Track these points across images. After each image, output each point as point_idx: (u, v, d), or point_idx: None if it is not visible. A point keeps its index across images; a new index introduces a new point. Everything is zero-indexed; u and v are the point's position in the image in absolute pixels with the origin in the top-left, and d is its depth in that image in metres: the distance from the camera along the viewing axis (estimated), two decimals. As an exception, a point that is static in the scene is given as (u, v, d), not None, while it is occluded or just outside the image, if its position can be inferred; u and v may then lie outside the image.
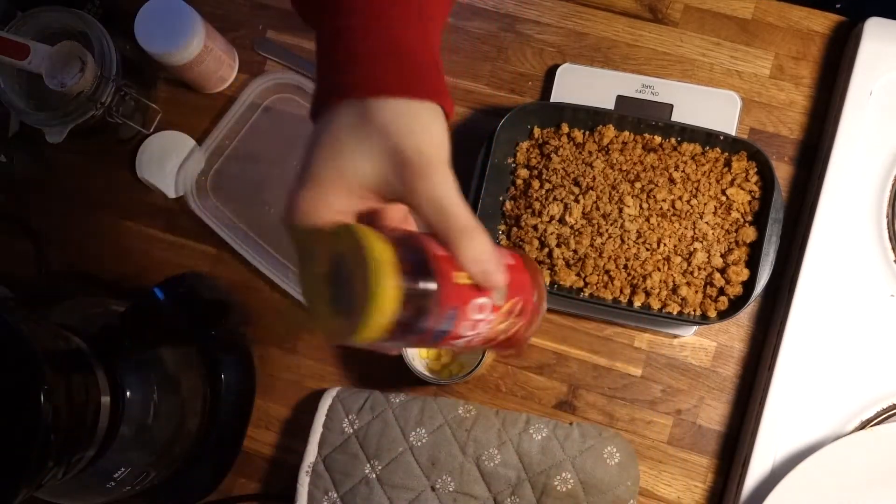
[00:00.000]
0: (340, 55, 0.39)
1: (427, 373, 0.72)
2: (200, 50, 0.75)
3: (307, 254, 0.40)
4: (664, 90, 0.75)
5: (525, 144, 0.74)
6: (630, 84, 0.76)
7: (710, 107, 0.74)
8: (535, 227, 0.71)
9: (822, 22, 0.77)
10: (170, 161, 0.81)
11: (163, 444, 0.68)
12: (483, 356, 0.71)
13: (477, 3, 0.81)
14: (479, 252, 0.39)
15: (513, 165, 0.74)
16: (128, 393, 0.63)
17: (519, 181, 0.74)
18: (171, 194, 0.81)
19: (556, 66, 0.78)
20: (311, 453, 0.72)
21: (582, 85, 0.77)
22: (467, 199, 0.60)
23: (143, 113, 0.82)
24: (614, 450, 0.70)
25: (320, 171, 0.39)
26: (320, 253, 0.40)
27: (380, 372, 0.78)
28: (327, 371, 0.78)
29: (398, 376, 0.76)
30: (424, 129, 0.40)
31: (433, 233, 0.39)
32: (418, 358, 0.73)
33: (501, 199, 0.74)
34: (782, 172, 0.75)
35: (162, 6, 0.74)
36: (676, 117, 0.74)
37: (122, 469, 0.65)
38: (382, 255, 0.37)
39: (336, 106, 0.39)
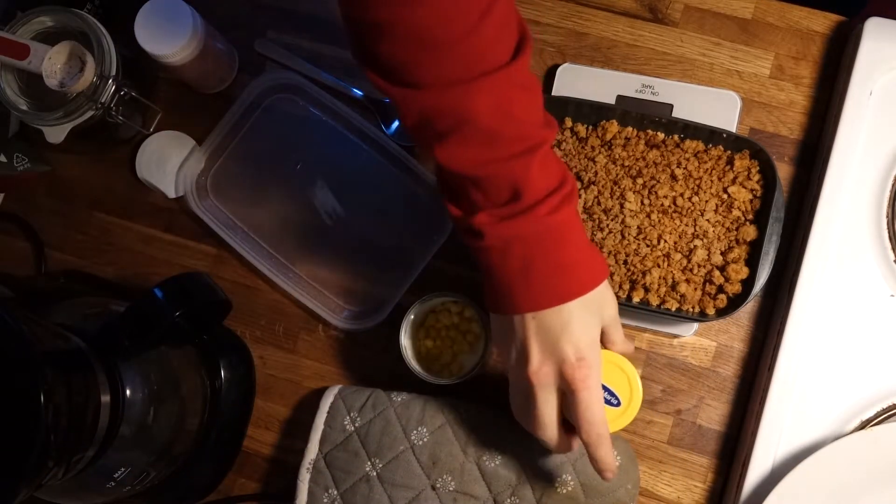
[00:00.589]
0: (545, 270, 0.58)
1: (426, 373, 0.72)
2: (200, 50, 0.75)
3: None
4: (664, 90, 0.75)
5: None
6: (630, 84, 0.76)
7: (710, 107, 0.74)
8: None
9: (822, 22, 0.77)
10: (170, 161, 0.81)
11: (163, 444, 0.68)
12: (483, 356, 0.71)
13: (477, 3, 0.81)
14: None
15: (515, 160, 0.75)
16: (128, 393, 0.63)
17: (521, 176, 0.74)
18: (171, 194, 0.81)
19: (556, 66, 0.78)
20: (312, 450, 0.72)
21: (582, 85, 0.77)
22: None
23: (143, 113, 0.81)
24: (615, 452, 0.69)
25: (589, 345, 0.59)
26: None
27: (379, 373, 0.78)
28: (327, 371, 0.78)
29: (397, 376, 0.76)
30: (612, 301, 0.62)
31: (609, 336, 0.63)
32: (418, 358, 0.73)
33: (503, 194, 0.74)
34: (782, 172, 0.75)
35: (162, 6, 0.74)
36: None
37: (122, 469, 0.65)
38: (636, 374, 0.63)
39: (561, 304, 0.58)
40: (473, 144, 0.55)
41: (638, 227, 0.70)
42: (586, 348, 0.58)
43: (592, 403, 0.58)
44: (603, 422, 0.59)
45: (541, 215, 0.56)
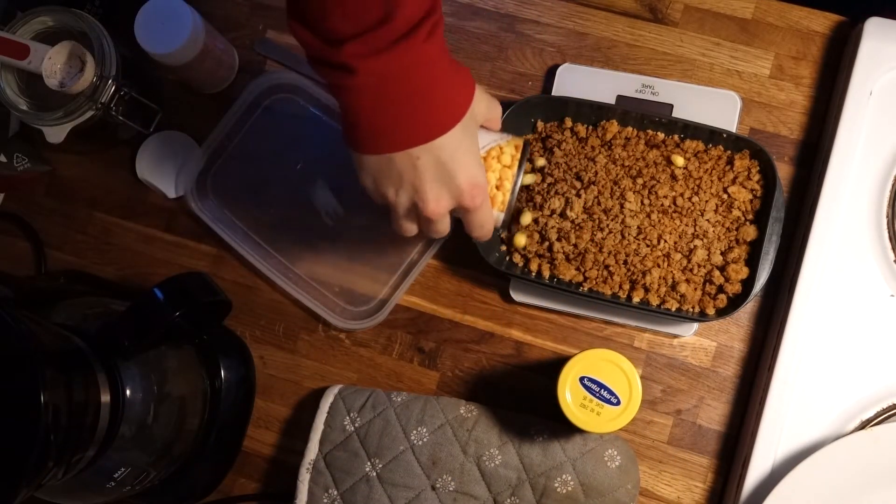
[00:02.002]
0: (429, 99, 0.56)
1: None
2: (200, 50, 0.75)
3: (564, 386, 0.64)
4: (664, 90, 0.75)
5: (528, 138, 0.74)
6: (630, 84, 0.76)
7: (710, 107, 0.74)
8: (535, 221, 0.72)
9: (822, 22, 0.77)
10: (170, 161, 0.81)
11: (163, 444, 0.68)
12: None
13: (477, 3, 0.81)
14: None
15: (515, 158, 0.75)
16: (128, 393, 0.63)
17: (521, 174, 0.74)
18: (171, 194, 0.81)
19: (556, 66, 0.78)
20: (312, 450, 0.72)
21: (582, 85, 0.77)
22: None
23: (143, 113, 0.81)
24: (615, 452, 0.69)
25: (479, 168, 0.61)
26: (571, 382, 0.63)
27: (379, 373, 0.78)
28: (327, 371, 0.78)
29: (397, 377, 0.76)
30: (478, 100, 0.61)
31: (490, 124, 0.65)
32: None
33: (503, 191, 0.74)
34: (782, 172, 0.75)
35: (162, 6, 0.74)
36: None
37: (122, 469, 0.65)
38: (636, 374, 0.63)
39: (446, 131, 0.57)
40: None
41: (638, 227, 0.70)
42: (478, 173, 0.60)
43: (486, 219, 0.64)
44: (490, 224, 0.64)
45: (419, 42, 0.52)
